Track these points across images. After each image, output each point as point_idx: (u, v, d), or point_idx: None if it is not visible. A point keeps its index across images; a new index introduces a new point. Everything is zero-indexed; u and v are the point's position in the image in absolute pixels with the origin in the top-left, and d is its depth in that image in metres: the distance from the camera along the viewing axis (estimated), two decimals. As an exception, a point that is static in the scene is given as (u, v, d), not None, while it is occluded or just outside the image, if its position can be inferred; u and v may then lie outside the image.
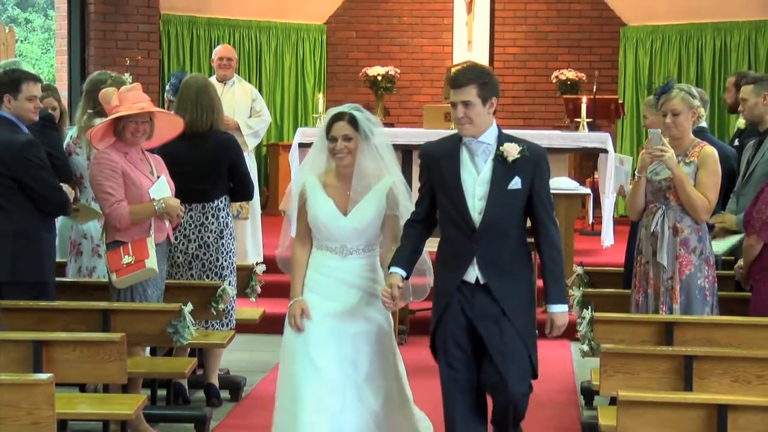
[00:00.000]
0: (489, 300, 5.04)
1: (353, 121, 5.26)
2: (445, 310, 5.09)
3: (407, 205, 5.31)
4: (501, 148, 5.04)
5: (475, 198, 5.02)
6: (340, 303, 5.29)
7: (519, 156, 5.02)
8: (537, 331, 5.21)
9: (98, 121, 6.43)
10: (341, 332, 5.26)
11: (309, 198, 5.31)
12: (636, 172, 6.05)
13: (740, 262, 6.15)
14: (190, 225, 6.80)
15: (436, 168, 5.11)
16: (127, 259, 5.98)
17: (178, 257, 6.81)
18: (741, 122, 8.10)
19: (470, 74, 5.08)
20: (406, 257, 5.17)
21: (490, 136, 5.08)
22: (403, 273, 5.13)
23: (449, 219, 5.09)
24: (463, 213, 5.02)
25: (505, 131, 5.18)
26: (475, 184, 5.03)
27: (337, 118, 5.28)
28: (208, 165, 6.77)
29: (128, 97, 6.09)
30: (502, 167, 5.02)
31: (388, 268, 5.18)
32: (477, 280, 5.04)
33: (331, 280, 5.31)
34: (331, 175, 5.35)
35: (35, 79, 6.31)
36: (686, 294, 5.92)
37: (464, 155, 5.07)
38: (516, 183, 5.00)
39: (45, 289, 6.23)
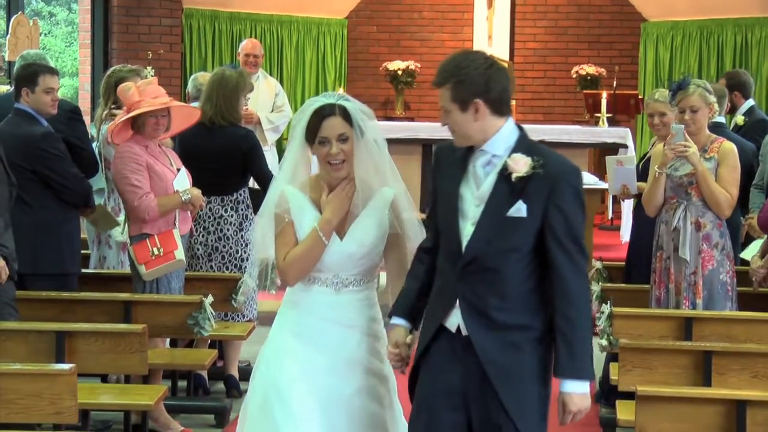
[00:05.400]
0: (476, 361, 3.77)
1: (346, 115, 4.04)
2: (422, 358, 3.87)
3: (412, 220, 4.18)
4: (507, 159, 3.72)
5: (467, 221, 3.76)
6: (334, 353, 4.12)
7: (530, 173, 3.68)
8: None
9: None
10: (332, 402, 4.09)
11: (295, 217, 4.12)
12: (656, 168, 6.05)
13: (758, 261, 6.12)
14: (209, 217, 6.84)
15: (439, 175, 3.93)
16: (155, 251, 6.03)
17: (198, 249, 6.86)
18: (739, 119, 8.14)
19: (443, 72, 3.76)
20: (411, 303, 3.97)
21: (499, 143, 3.75)
22: (406, 324, 3.96)
23: (442, 244, 3.89)
24: (451, 238, 3.78)
25: (533, 138, 3.84)
26: (472, 203, 3.77)
27: (327, 112, 4.03)
28: (223, 158, 6.80)
29: (148, 92, 6.12)
30: (505, 186, 3.71)
31: (389, 315, 4.03)
32: (459, 328, 3.79)
33: (323, 322, 4.14)
34: (316, 188, 4.16)
35: (52, 71, 6.32)
36: (709, 289, 5.93)
37: (470, 165, 3.81)
38: (519, 209, 3.68)
39: (66, 281, 6.28)
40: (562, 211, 3.68)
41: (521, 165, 3.68)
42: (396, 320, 3.98)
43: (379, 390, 4.16)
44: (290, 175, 4.16)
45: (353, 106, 4.07)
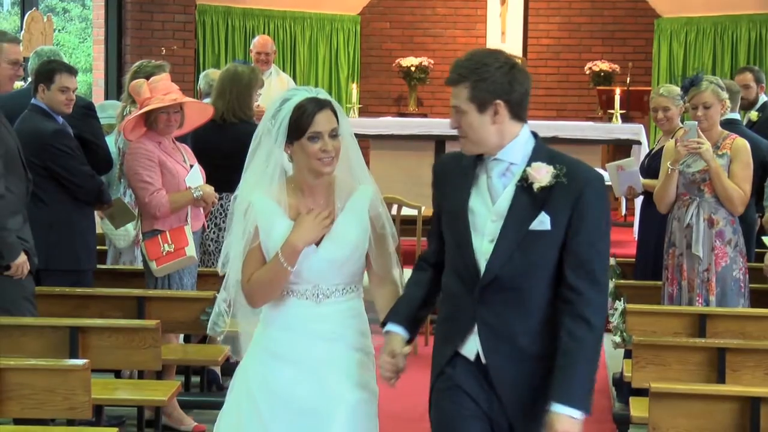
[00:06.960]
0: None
1: (333, 110, 3.73)
2: (438, 384, 3.57)
3: (391, 221, 3.86)
4: (527, 168, 3.43)
5: (484, 238, 3.45)
6: (318, 371, 3.73)
7: (552, 182, 3.39)
8: None
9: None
10: (319, 425, 3.71)
11: (261, 226, 3.74)
12: (669, 165, 6.05)
13: (773, 256, 6.13)
14: (221, 214, 6.86)
15: (443, 189, 3.59)
16: (166, 248, 6.04)
17: (210, 245, 6.88)
18: (753, 114, 8.15)
19: (462, 68, 3.43)
20: (409, 310, 3.66)
21: (515, 151, 3.46)
22: (404, 333, 3.62)
23: (451, 263, 3.55)
24: (466, 258, 3.46)
25: (549, 144, 3.55)
26: (488, 218, 3.46)
27: (319, 106, 3.69)
28: (234, 155, 6.76)
29: (158, 88, 6.12)
30: (525, 198, 3.41)
31: (382, 324, 3.68)
32: (478, 356, 3.48)
33: (302, 335, 3.75)
34: (289, 192, 3.79)
35: (70, 71, 6.32)
36: (722, 286, 5.94)
37: (481, 176, 3.50)
38: (542, 222, 3.39)
39: (81, 277, 6.29)
40: (586, 223, 3.39)
41: (543, 174, 3.39)
42: (393, 327, 3.63)
43: (367, 408, 3.78)
44: (256, 181, 3.82)
45: (335, 101, 3.78)
